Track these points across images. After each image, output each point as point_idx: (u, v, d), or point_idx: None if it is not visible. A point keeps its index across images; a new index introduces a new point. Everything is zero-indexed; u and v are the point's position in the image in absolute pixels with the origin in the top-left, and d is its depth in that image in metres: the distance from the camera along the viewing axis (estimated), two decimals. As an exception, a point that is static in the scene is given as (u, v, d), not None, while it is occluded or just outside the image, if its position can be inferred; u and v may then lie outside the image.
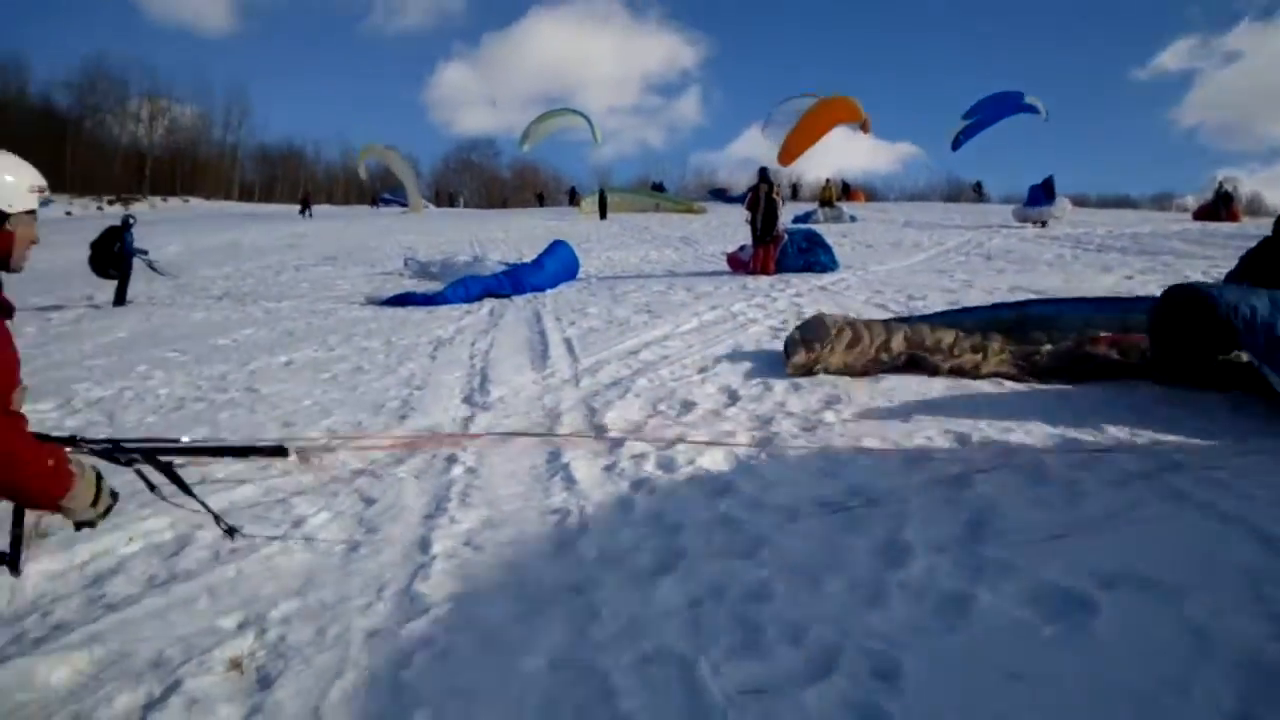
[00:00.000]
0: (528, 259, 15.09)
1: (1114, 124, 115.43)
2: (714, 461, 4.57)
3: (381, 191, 59.41)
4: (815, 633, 2.75)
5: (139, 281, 14.38)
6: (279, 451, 4.33)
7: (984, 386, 5.65)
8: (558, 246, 14.55)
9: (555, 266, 13.75)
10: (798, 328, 6.92)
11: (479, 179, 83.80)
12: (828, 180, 36.16)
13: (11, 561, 2.30)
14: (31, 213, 2.15)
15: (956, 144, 24.36)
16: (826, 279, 12.60)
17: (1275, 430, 4.50)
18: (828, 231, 20.93)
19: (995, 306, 7.45)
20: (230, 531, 3.03)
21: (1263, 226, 12.13)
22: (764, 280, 12.73)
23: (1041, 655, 2.53)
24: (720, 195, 50.65)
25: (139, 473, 2.82)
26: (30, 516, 3.86)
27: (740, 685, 2.51)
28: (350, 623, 3.07)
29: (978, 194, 42.82)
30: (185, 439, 4.64)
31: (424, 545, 3.73)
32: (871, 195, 54.77)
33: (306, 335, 9.84)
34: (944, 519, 3.62)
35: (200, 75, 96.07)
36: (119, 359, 8.86)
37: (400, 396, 6.61)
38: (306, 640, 2.97)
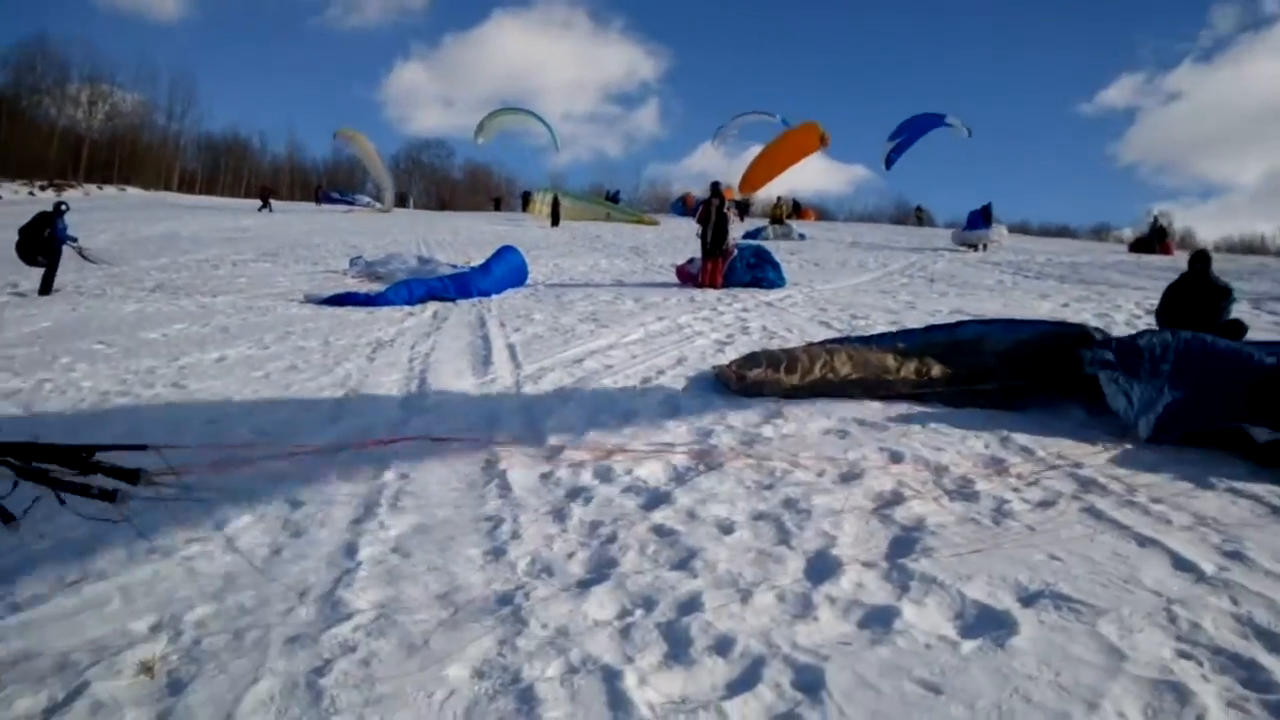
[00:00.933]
0: (476, 262, 14.95)
1: (1058, 155, 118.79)
2: (652, 472, 4.56)
3: (327, 189, 58.27)
4: (742, 644, 2.76)
5: (68, 270, 13.89)
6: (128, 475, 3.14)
7: (919, 407, 5.74)
8: (506, 252, 14.44)
9: (502, 271, 13.64)
10: (736, 361, 6.92)
11: (430, 179, 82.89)
12: (779, 198, 36.56)
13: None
14: None
15: (889, 163, 25.07)
16: (773, 295, 12.71)
17: (1189, 457, 4.66)
18: (777, 249, 21.14)
19: (929, 329, 7.59)
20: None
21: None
22: (711, 294, 12.80)
23: (960, 669, 2.57)
24: (682, 208, 50.58)
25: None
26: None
27: (666, 697, 2.50)
28: (269, 628, 2.99)
29: (919, 219, 43.78)
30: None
31: (350, 551, 3.65)
32: (822, 214, 55.55)
33: (241, 332, 9.60)
34: (874, 535, 3.67)
35: (145, 61, 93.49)
36: (41, 349, 8.54)
37: (335, 397, 6.48)
38: (222, 645, 2.88)
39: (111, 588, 3.32)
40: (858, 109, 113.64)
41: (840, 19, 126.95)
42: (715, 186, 15.04)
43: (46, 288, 12.93)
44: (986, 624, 2.87)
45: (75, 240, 13.70)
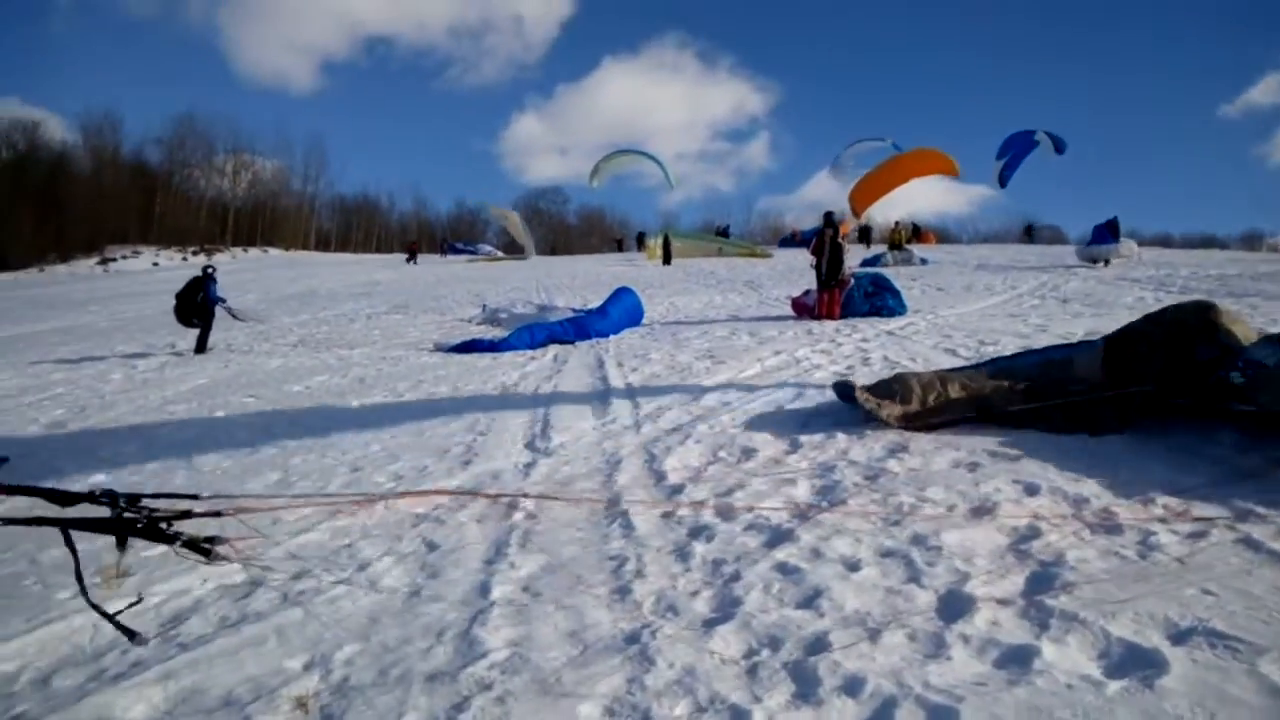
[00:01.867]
0: (593, 304, 15.29)
1: (1200, 161, 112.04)
2: (774, 510, 4.54)
3: (451, 241, 60.94)
4: (872, 684, 2.71)
5: (219, 329, 15.00)
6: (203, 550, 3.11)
7: (1051, 435, 5.49)
8: (622, 293, 14.73)
9: (619, 312, 13.91)
10: (868, 387, 6.72)
11: (546, 225, 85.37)
12: (896, 223, 35.93)
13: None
14: None
15: (1003, 181, 24.16)
16: (894, 323, 12.46)
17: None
18: (897, 275, 20.72)
19: (1046, 349, 7.17)
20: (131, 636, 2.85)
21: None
22: (829, 325, 12.67)
23: (1105, 710, 2.45)
24: (790, 241, 50.34)
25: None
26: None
27: (795, 738, 2.48)
28: (411, 666, 3.14)
29: (1028, 237, 42.25)
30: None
31: (484, 590, 3.79)
32: (944, 237, 54.15)
33: (376, 382, 10.12)
34: (1010, 571, 3.54)
35: (282, 130, 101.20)
36: (198, 404, 9.23)
37: (464, 442, 6.74)
38: (369, 681, 3.04)
39: (268, 628, 3.55)
40: (975, 125, 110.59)
41: (953, 31, 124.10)
42: (829, 216, 14.94)
43: (201, 347, 14.00)
44: (1133, 663, 2.72)
45: (225, 301, 14.80)
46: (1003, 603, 3.24)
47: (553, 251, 69.67)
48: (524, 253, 49.43)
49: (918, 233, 46.12)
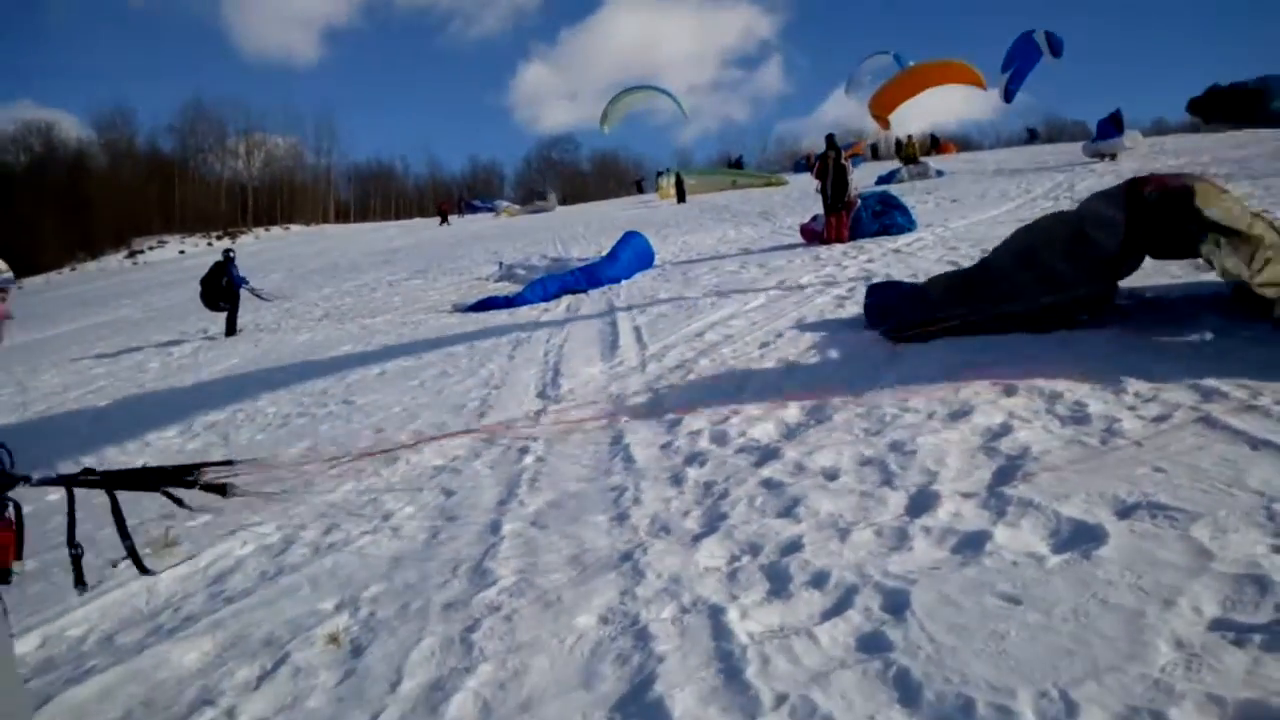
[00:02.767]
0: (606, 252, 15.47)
1: (1230, 33, 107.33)
2: (765, 431, 4.81)
3: (469, 199, 61.07)
4: (837, 577, 3.00)
5: (247, 311, 15.44)
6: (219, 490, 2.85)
7: (1026, 338, 5.63)
8: (631, 237, 14.86)
9: (629, 256, 14.06)
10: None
11: (561, 175, 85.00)
12: (909, 137, 35.35)
13: (137, 563, 2.65)
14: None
15: (1009, 95, 23.61)
16: (902, 240, 12.52)
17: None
18: (913, 189, 20.59)
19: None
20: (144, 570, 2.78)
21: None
22: (837, 249, 12.75)
23: (1042, 582, 2.71)
24: (804, 166, 49.88)
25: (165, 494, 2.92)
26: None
27: (765, 627, 2.78)
28: (429, 598, 3.48)
29: (1032, 137, 41.98)
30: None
31: (495, 528, 4.12)
32: (965, 145, 53.18)
33: (398, 347, 10.47)
34: (978, 468, 3.78)
35: (290, 106, 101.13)
36: (232, 385, 9.67)
37: (480, 396, 7.07)
38: (392, 615, 3.39)
39: (301, 578, 3.92)
40: (994, 26, 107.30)
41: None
42: (830, 139, 14.92)
43: (231, 329, 14.45)
44: (1078, 539, 2.97)
45: (248, 282, 15.19)
46: (966, 496, 3.49)
47: (568, 201, 69.56)
48: (547, 204, 49.55)
49: (936, 144, 45.39)
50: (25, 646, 3.64)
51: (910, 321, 6.25)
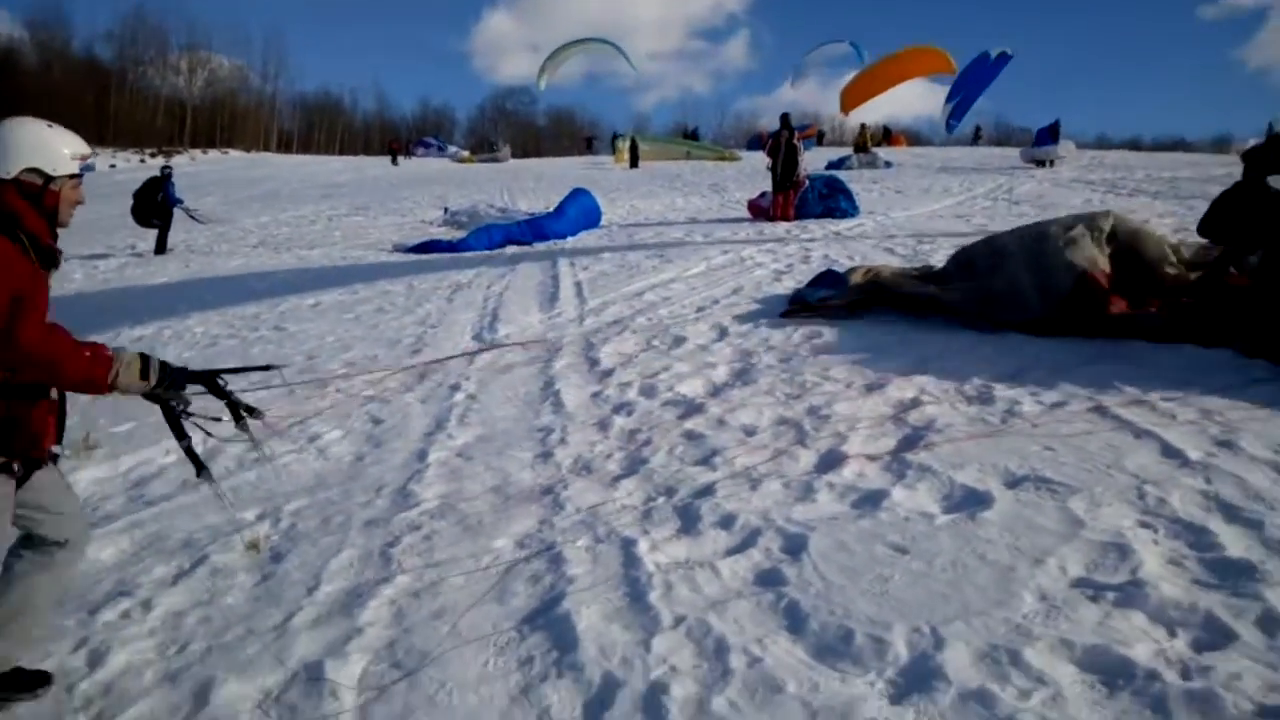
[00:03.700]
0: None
1: (1176, 64, 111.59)
2: (692, 388, 4.98)
3: (418, 139, 59.72)
4: (743, 520, 3.19)
5: (179, 231, 15.02)
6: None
7: (947, 327, 5.90)
8: (579, 194, 14.86)
9: (576, 213, 14.08)
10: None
11: (514, 127, 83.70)
12: (863, 125, 35.83)
13: (196, 464, 2.69)
14: (75, 176, 2.47)
15: (949, 127, 24.40)
16: (843, 225, 12.79)
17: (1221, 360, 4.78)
18: (861, 178, 20.90)
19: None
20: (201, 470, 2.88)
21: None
22: (781, 226, 12.98)
23: (929, 536, 2.94)
24: (758, 144, 50.14)
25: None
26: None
27: (671, 559, 2.95)
28: (351, 514, 3.58)
29: (978, 138, 43.67)
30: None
31: (421, 455, 4.22)
32: (916, 140, 54.01)
33: (334, 279, 10.36)
34: (886, 435, 4.01)
35: (238, 25, 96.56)
36: (159, 302, 9.47)
37: (415, 334, 7.09)
38: (314, 527, 3.49)
39: (225, 488, 3.93)
40: (951, 25, 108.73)
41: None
42: (785, 118, 15.09)
43: (161, 248, 14.06)
44: (967, 503, 3.21)
45: (183, 202, 14.76)
46: (871, 459, 3.72)
47: (520, 155, 68.62)
48: (500, 155, 48.86)
49: (888, 136, 46.07)
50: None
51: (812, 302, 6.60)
